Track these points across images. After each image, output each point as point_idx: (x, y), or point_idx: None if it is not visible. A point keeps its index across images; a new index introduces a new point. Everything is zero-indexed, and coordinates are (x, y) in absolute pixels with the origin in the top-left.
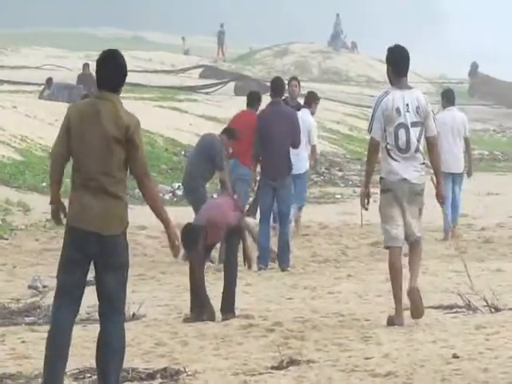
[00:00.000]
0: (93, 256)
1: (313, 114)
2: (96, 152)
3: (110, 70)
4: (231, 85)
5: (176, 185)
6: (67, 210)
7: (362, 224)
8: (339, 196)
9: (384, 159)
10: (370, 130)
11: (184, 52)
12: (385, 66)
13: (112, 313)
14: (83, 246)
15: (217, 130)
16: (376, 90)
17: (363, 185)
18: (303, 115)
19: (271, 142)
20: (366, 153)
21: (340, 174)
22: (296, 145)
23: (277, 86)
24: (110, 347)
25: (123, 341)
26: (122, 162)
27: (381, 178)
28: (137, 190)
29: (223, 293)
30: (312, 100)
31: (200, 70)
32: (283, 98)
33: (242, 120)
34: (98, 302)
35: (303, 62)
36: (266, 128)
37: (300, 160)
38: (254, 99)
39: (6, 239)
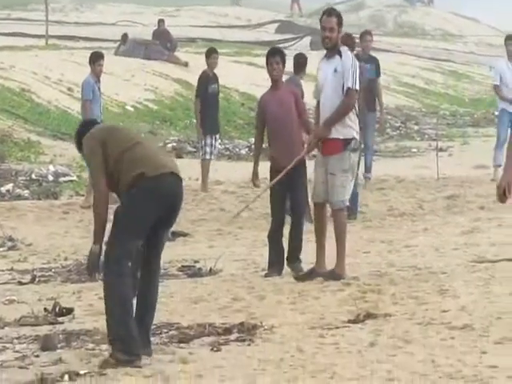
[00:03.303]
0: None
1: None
2: None
3: None
4: (307, 39)
5: (252, 139)
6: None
7: (438, 177)
8: (415, 150)
9: None
10: None
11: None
12: (461, 20)
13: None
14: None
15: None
16: (451, 44)
17: None
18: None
19: None
20: (442, 106)
21: (416, 127)
22: None
23: (298, 63)
24: (153, 301)
25: None
26: None
27: None
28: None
29: (289, 243)
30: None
31: (276, 24)
32: (355, 52)
33: None
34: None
35: (378, 16)
36: None
37: None
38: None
39: (83, 195)
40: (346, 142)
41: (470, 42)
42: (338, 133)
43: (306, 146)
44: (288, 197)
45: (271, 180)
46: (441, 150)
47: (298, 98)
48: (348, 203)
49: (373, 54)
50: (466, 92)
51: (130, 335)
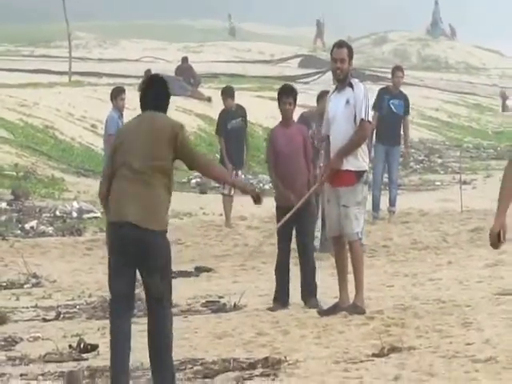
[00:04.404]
0: None
1: None
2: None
3: (152, 95)
4: (330, 74)
5: None
6: None
7: (461, 210)
8: (439, 183)
9: None
10: None
11: (229, 31)
12: (484, 53)
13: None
14: None
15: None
16: (475, 77)
17: None
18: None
19: None
20: (465, 139)
21: (439, 161)
22: None
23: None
24: (159, 345)
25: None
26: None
27: None
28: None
29: (301, 280)
30: None
31: (299, 59)
32: (384, 86)
33: None
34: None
35: (402, 50)
36: None
37: None
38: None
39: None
40: (359, 174)
41: (493, 74)
42: (350, 165)
43: (318, 177)
44: (296, 232)
45: (277, 219)
46: (464, 182)
47: (306, 138)
48: (361, 235)
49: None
50: (489, 125)
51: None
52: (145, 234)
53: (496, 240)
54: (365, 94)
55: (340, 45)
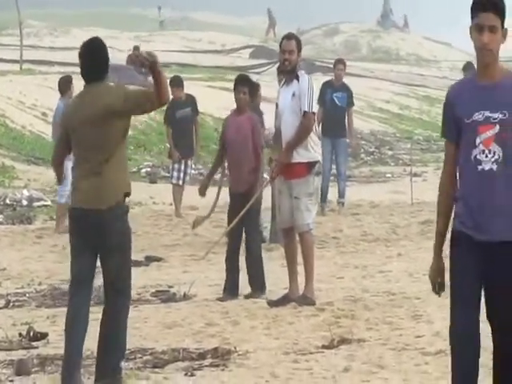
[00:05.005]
0: None
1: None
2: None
3: (92, 61)
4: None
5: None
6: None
7: (412, 202)
8: (389, 175)
9: None
10: None
11: (159, 23)
12: (434, 45)
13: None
14: None
15: (267, 109)
16: (426, 69)
17: None
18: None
19: None
20: (416, 131)
21: (390, 152)
22: None
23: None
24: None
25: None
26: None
27: None
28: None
29: (247, 271)
30: None
31: (250, 49)
32: (327, 80)
33: None
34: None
35: (353, 41)
36: None
37: None
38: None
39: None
40: (310, 166)
41: (443, 67)
42: (301, 157)
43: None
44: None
45: (230, 203)
46: (415, 175)
47: (254, 126)
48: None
49: (347, 80)
50: (439, 117)
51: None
52: (94, 214)
53: (435, 289)
54: (309, 85)
55: (289, 37)
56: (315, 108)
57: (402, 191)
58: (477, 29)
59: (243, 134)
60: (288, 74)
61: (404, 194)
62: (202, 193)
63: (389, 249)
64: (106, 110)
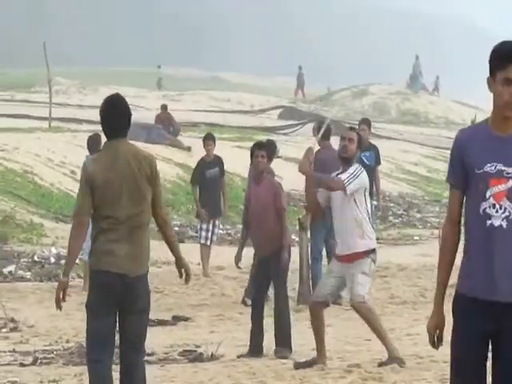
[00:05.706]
0: None
1: None
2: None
3: (116, 117)
4: (310, 126)
5: None
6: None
7: None
8: (417, 237)
9: None
10: None
11: (157, 82)
12: (464, 109)
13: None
14: None
15: (295, 170)
16: (454, 132)
17: None
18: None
19: None
20: (444, 194)
21: (418, 215)
22: None
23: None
24: None
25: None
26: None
27: None
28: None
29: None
30: None
31: (279, 110)
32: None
33: None
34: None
35: (381, 103)
36: None
37: None
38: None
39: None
40: (367, 252)
41: None
42: (358, 246)
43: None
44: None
45: (256, 266)
46: None
47: (276, 192)
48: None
49: (374, 141)
50: None
51: None
52: (132, 280)
53: (433, 342)
54: (355, 171)
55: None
56: (350, 187)
57: (430, 254)
58: (506, 82)
59: (262, 203)
60: (345, 160)
61: (432, 256)
62: (237, 265)
63: (417, 312)
64: (142, 174)
